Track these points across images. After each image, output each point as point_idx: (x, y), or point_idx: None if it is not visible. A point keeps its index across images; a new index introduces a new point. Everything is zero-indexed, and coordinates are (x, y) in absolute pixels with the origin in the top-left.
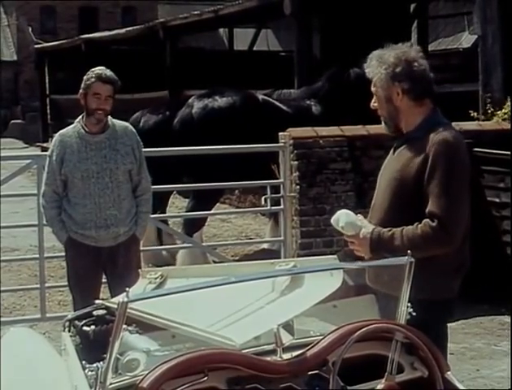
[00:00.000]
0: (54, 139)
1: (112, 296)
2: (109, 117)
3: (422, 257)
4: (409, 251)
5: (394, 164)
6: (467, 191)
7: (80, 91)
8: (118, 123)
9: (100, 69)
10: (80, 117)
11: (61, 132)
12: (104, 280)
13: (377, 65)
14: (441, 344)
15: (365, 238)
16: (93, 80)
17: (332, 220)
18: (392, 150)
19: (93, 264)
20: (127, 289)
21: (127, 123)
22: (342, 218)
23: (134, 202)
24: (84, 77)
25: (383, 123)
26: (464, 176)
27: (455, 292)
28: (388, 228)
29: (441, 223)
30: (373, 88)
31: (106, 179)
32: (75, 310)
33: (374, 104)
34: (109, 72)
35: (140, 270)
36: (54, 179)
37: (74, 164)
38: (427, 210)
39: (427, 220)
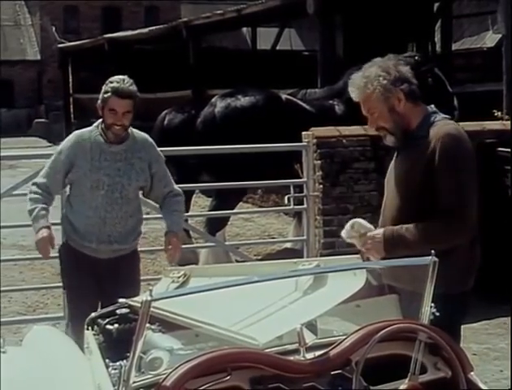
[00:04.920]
0: (68, 138)
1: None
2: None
3: (438, 250)
4: (432, 251)
5: (401, 165)
6: (476, 178)
7: (98, 102)
8: (138, 134)
9: (118, 81)
10: (101, 121)
11: (77, 132)
12: None
13: (368, 82)
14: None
15: (378, 235)
16: (109, 94)
17: (343, 232)
18: (395, 153)
19: (89, 273)
20: (150, 288)
21: (147, 136)
22: (353, 220)
23: (141, 220)
24: (103, 87)
25: (388, 137)
26: (472, 165)
27: (469, 285)
28: (400, 225)
29: (458, 213)
30: (366, 110)
31: (115, 194)
32: (69, 321)
33: (372, 126)
34: (128, 84)
35: (163, 269)
36: (55, 179)
37: (84, 172)
38: (441, 202)
39: (443, 212)
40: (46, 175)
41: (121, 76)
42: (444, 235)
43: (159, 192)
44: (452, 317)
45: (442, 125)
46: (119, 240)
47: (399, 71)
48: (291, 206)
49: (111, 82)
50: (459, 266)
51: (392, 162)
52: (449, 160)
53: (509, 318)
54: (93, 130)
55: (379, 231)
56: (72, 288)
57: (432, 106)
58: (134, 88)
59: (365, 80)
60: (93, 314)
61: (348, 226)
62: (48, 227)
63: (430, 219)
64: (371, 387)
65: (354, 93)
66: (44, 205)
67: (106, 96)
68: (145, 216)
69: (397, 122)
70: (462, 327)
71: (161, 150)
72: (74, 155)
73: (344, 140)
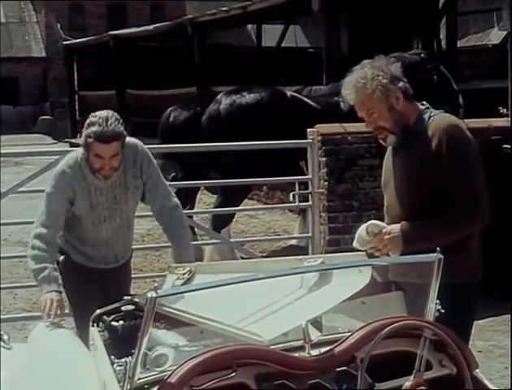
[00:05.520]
0: (56, 178)
1: None
2: None
3: (456, 239)
4: (438, 248)
5: (402, 163)
6: (481, 165)
7: (81, 142)
8: (127, 148)
9: (100, 122)
10: (84, 154)
11: (65, 170)
12: None
13: (366, 83)
14: (466, 332)
15: (395, 230)
16: (91, 140)
17: (355, 240)
18: (391, 151)
19: (94, 284)
20: (155, 285)
21: (136, 142)
22: (367, 223)
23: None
24: (85, 127)
25: (388, 137)
26: (477, 152)
27: (478, 278)
28: (415, 219)
29: (473, 200)
30: (365, 111)
31: (117, 220)
32: (76, 325)
33: (370, 126)
34: (112, 125)
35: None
36: (58, 222)
37: (85, 210)
38: (455, 192)
39: (458, 201)
40: (48, 224)
41: (104, 114)
42: (462, 223)
43: (151, 204)
44: (462, 310)
45: (442, 118)
46: (124, 255)
47: (392, 70)
48: (296, 203)
49: (93, 124)
50: (470, 257)
51: (388, 162)
52: (458, 149)
53: (510, 315)
54: (81, 163)
55: (396, 226)
56: (79, 303)
57: (424, 102)
58: (119, 127)
59: (363, 81)
60: (98, 311)
61: (361, 231)
62: (60, 292)
63: (444, 210)
64: (376, 384)
65: (351, 96)
66: (54, 266)
67: (89, 141)
68: (149, 213)
69: (397, 120)
70: None
71: (166, 147)
72: (73, 194)
73: (349, 137)
